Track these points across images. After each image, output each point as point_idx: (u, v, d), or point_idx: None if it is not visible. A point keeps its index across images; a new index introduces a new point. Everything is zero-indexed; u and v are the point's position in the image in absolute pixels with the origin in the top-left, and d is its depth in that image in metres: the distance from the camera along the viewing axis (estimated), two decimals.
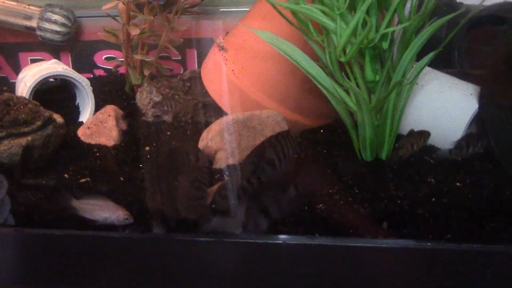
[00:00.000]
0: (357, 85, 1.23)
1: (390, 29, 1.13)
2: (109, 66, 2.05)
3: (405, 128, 1.40)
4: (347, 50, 1.17)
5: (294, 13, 1.24)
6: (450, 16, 1.17)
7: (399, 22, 1.20)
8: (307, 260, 0.97)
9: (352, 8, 1.17)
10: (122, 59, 1.87)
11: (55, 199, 1.13)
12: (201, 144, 1.39)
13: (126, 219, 1.08)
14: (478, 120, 1.32)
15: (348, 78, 1.24)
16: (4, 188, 1.24)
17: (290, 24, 1.25)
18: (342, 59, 1.18)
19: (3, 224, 1.14)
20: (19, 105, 1.41)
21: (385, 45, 1.21)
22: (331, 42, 1.20)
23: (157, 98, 1.67)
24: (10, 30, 2.00)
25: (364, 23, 1.14)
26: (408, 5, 1.20)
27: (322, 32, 1.23)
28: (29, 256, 1.08)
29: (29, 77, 1.60)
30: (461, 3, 1.82)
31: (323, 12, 1.18)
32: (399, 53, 1.21)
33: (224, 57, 1.62)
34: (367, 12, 1.14)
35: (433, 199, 1.08)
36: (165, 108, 1.65)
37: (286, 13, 1.24)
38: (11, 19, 1.95)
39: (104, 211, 1.05)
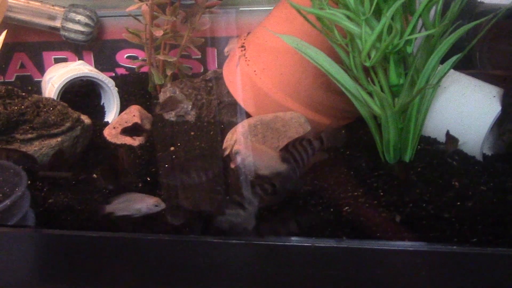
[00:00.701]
0: (381, 89, 1.24)
1: (415, 35, 1.14)
2: (131, 64, 2.08)
3: (427, 130, 1.41)
4: (372, 55, 1.19)
5: (319, 17, 1.25)
6: (475, 22, 1.18)
7: (424, 26, 1.22)
8: (335, 263, 0.99)
9: (377, 12, 1.18)
10: (144, 58, 1.90)
11: (94, 214, 1.18)
12: (225, 145, 1.42)
13: (156, 205, 1.11)
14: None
15: (372, 81, 1.26)
16: (24, 182, 1.27)
17: (315, 28, 1.27)
18: (367, 64, 1.19)
19: (27, 224, 1.18)
20: (49, 107, 1.45)
21: (409, 49, 1.22)
22: (355, 47, 1.22)
23: (180, 98, 1.69)
24: (34, 30, 2.04)
25: (389, 28, 1.15)
26: (432, 9, 1.21)
27: (347, 36, 1.24)
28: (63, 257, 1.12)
29: (56, 78, 1.64)
30: (481, 2, 1.82)
31: (348, 17, 1.19)
32: (423, 57, 1.22)
33: (246, 57, 1.64)
34: (392, 17, 1.16)
35: (458, 202, 1.10)
36: (188, 108, 1.67)
37: (309, 16, 1.26)
38: (35, 19, 1.99)
39: (135, 203, 1.09)
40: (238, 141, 1.39)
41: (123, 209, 1.10)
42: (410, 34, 1.16)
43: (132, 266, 1.09)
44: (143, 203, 1.09)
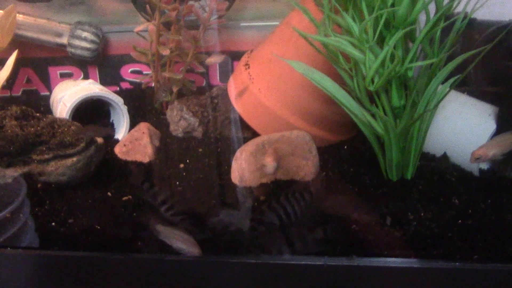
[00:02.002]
0: (384, 110, 1.32)
1: (416, 64, 1.22)
2: (135, 79, 2.14)
3: (426, 147, 1.49)
4: (375, 80, 1.26)
5: (324, 43, 1.32)
6: (476, 50, 1.25)
7: (424, 53, 1.29)
8: (346, 281, 1.06)
9: (380, 38, 1.25)
10: (148, 73, 1.96)
11: (146, 217, 1.23)
12: (235, 164, 1.48)
13: (198, 256, 1.16)
14: None
15: (375, 102, 1.33)
16: (23, 190, 1.33)
17: (320, 53, 1.34)
18: (371, 88, 1.26)
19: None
20: (64, 127, 1.50)
21: (410, 73, 1.29)
22: (359, 71, 1.29)
23: (187, 115, 1.75)
24: (40, 45, 2.09)
25: (391, 55, 1.22)
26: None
27: (350, 60, 1.31)
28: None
29: (67, 98, 1.69)
30: (474, 19, 1.89)
31: (352, 43, 1.26)
32: (423, 81, 1.29)
33: (250, 75, 1.71)
34: (394, 46, 1.23)
35: (459, 220, 1.17)
36: (196, 124, 1.74)
37: (315, 41, 1.33)
38: (43, 37, 2.04)
39: (182, 242, 1.14)
40: (247, 158, 1.45)
41: (167, 238, 1.15)
42: (411, 61, 1.23)
43: None
44: (188, 248, 1.13)
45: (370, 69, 1.23)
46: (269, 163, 1.37)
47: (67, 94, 1.71)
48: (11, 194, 1.30)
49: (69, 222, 1.30)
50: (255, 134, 1.66)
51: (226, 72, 2.15)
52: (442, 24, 1.25)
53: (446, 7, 1.23)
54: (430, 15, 1.27)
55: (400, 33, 1.19)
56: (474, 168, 1.42)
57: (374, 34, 1.22)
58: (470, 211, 1.21)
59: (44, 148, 1.45)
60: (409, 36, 1.27)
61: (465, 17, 1.27)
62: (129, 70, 2.16)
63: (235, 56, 2.05)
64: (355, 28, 1.24)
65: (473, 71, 1.74)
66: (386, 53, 1.20)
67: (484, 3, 1.24)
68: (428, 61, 1.19)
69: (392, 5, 1.20)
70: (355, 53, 1.25)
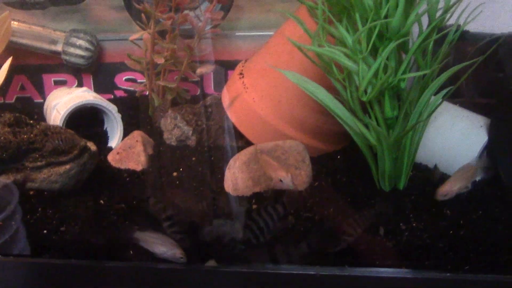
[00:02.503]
0: (377, 121, 1.32)
1: (409, 75, 1.23)
2: (129, 87, 2.14)
3: (418, 157, 1.50)
4: (368, 90, 1.27)
5: (318, 54, 1.33)
6: (468, 62, 1.26)
7: (416, 64, 1.30)
8: None
9: (373, 49, 1.26)
10: (143, 81, 1.96)
11: (122, 227, 1.23)
12: (228, 172, 1.49)
13: (181, 258, 1.16)
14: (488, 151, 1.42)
15: (368, 113, 1.33)
16: (15, 198, 1.33)
17: (314, 64, 1.35)
18: (364, 99, 1.27)
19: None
20: (57, 135, 1.50)
21: (403, 84, 1.31)
22: (352, 82, 1.30)
23: (181, 124, 1.76)
24: (35, 53, 2.09)
25: (384, 66, 1.23)
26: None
27: (344, 71, 1.32)
28: None
29: (61, 105, 1.69)
30: (467, 31, 1.91)
31: (346, 54, 1.27)
32: (416, 92, 1.30)
33: (245, 85, 1.71)
34: (387, 57, 1.24)
35: (451, 231, 1.18)
36: (189, 133, 1.74)
37: (309, 52, 1.34)
38: (37, 44, 2.04)
39: (163, 246, 1.14)
40: (240, 167, 1.45)
41: (147, 244, 1.15)
42: (404, 72, 1.24)
43: None
44: (170, 250, 1.13)
45: (363, 80, 1.24)
46: (285, 177, 1.34)
47: (61, 102, 1.71)
48: (2, 202, 1.30)
49: (61, 230, 1.30)
50: (248, 143, 1.66)
51: (220, 81, 2.15)
52: (434, 36, 1.26)
53: (439, 19, 1.24)
54: (424, 27, 1.28)
55: (393, 45, 1.20)
56: None
57: (368, 45, 1.23)
58: (461, 221, 1.22)
59: (37, 155, 1.45)
60: (402, 48, 1.28)
61: (457, 30, 1.29)
62: (124, 78, 2.16)
63: (231, 65, 2.06)
64: (349, 38, 1.25)
65: (465, 83, 1.77)
66: (379, 64, 1.22)
67: (475, 16, 1.26)
68: (421, 73, 1.20)
69: (386, 16, 1.21)
70: (349, 63, 1.26)
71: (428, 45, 1.28)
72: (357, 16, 1.25)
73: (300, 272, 1.08)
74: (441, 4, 1.28)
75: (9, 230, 1.26)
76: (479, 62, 1.28)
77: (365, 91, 1.27)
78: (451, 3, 1.25)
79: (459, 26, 1.29)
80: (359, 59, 1.24)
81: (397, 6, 1.19)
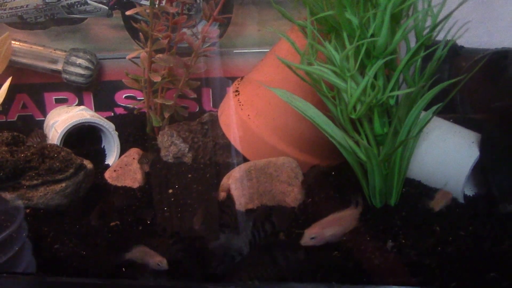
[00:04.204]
0: (367, 138, 1.33)
1: (397, 93, 1.24)
2: (129, 104, 2.17)
3: (411, 173, 1.50)
4: (357, 108, 1.28)
5: (307, 72, 1.34)
6: (458, 79, 1.27)
7: (405, 82, 1.31)
8: None
9: (362, 66, 1.28)
10: (142, 98, 1.99)
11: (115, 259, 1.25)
12: (222, 189, 1.50)
13: (158, 264, 1.18)
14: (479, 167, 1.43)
15: (358, 130, 1.34)
16: (21, 214, 1.35)
17: (305, 82, 1.36)
18: (353, 116, 1.28)
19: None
20: (53, 153, 1.52)
21: (391, 101, 1.32)
22: (342, 99, 1.31)
23: (177, 141, 1.78)
24: (36, 72, 2.13)
25: (373, 84, 1.24)
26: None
27: (334, 89, 1.34)
28: None
29: (59, 124, 1.72)
30: (462, 47, 1.93)
31: (335, 72, 1.29)
32: (405, 109, 1.31)
33: (240, 102, 1.73)
34: (375, 75, 1.25)
35: (439, 247, 1.18)
36: (186, 150, 1.76)
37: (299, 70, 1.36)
38: (38, 63, 2.08)
39: (147, 257, 1.17)
40: (234, 184, 1.47)
41: (139, 259, 1.18)
42: (392, 90, 1.25)
43: None
44: (152, 259, 1.16)
45: (352, 97, 1.25)
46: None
47: (59, 120, 1.74)
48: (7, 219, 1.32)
49: (55, 248, 1.31)
50: (245, 160, 1.68)
51: (219, 98, 2.18)
52: (422, 53, 1.28)
53: (426, 37, 1.26)
54: (412, 44, 1.29)
55: (380, 63, 1.21)
56: (458, 194, 1.43)
57: (355, 63, 1.24)
58: (450, 238, 1.22)
59: (33, 174, 1.48)
60: (390, 65, 1.29)
61: (445, 46, 1.30)
62: (124, 96, 2.19)
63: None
64: (337, 57, 1.27)
65: (459, 98, 1.77)
66: (366, 82, 1.23)
67: (463, 34, 1.27)
68: (408, 90, 1.21)
69: (372, 35, 1.23)
70: (337, 81, 1.28)
71: (416, 62, 1.29)
72: (345, 35, 1.26)
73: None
74: (429, 22, 1.29)
75: (16, 244, 1.28)
76: (468, 78, 1.29)
77: (354, 109, 1.28)
78: (438, 20, 1.27)
79: (447, 42, 1.30)
80: (347, 77, 1.26)
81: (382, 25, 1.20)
